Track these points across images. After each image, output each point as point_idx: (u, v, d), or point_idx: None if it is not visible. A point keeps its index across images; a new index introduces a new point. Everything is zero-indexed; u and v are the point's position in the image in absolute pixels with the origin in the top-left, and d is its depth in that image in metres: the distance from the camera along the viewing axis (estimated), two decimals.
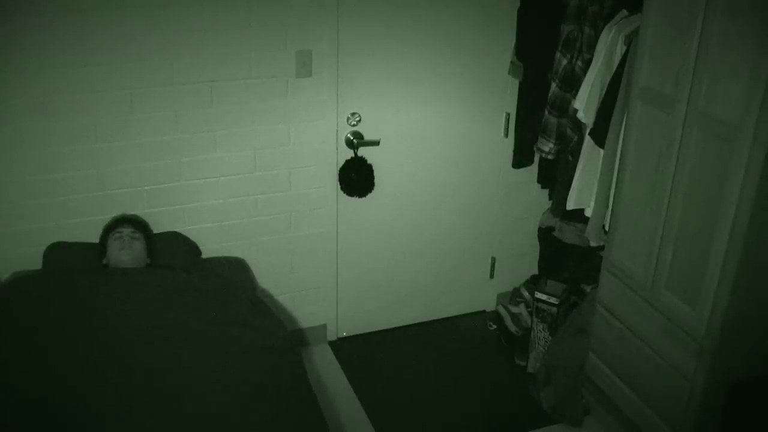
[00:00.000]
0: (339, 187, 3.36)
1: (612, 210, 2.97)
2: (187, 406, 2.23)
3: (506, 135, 3.59)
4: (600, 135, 2.96)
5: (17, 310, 2.54)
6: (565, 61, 3.13)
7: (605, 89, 2.94)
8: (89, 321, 2.47)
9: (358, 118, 3.31)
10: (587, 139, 3.06)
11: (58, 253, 2.94)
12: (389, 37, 3.23)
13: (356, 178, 3.32)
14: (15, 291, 2.68)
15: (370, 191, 3.38)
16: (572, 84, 3.15)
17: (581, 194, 3.15)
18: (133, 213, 3.05)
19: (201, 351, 2.43)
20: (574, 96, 3.12)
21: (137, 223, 2.98)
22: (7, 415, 2.16)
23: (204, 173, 3.14)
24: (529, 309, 3.60)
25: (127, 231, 2.90)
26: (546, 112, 3.26)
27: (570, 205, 3.21)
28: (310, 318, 3.62)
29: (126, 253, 2.83)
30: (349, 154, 3.33)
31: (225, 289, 2.84)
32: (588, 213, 3.15)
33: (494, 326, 3.81)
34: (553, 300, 3.34)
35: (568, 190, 3.19)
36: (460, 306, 3.94)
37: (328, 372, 3.47)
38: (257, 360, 2.49)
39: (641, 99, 2.68)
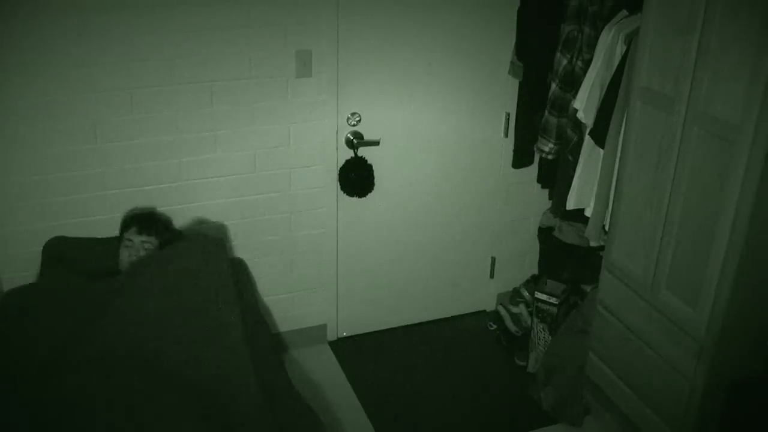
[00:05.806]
0: (339, 187, 3.36)
1: (612, 210, 2.96)
2: (175, 402, 2.25)
3: (506, 135, 3.59)
4: (600, 135, 2.96)
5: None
6: (565, 61, 3.13)
7: (605, 89, 2.94)
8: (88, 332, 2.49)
9: (358, 118, 3.31)
10: (587, 139, 3.06)
11: (57, 249, 2.92)
12: (389, 37, 3.23)
13: (356, 178, 3.32)
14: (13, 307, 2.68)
15: (370, 191, 3.38)
16: (572, 84, 3.15)
17: (581, 194, 3.15)
18: (148, 208, 2.98)
19: (192, 354, 2.44)
20: (574, 96, 3.11)
21: (151, 229, 2.89)
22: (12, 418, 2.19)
23: (204, 173, 3.14)
24: (529, 309, 3.60)
25: (137, 240, 2.85)
26: (546, 112, 3.26)
27: (570, 205, 3.21)
28: (310, 318, 3.62)
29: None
30: (349, 154, 3.33)
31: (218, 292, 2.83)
32: (588, 213, 3.15)
33: (494, 326, 3.81)
34: (553, 300, 3.34)
35: (568, 190, 3.19)
36: (460, 306, 3.94)
37: (328, 372, 3.47)
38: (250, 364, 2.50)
39: (641, 99, 2.68)
